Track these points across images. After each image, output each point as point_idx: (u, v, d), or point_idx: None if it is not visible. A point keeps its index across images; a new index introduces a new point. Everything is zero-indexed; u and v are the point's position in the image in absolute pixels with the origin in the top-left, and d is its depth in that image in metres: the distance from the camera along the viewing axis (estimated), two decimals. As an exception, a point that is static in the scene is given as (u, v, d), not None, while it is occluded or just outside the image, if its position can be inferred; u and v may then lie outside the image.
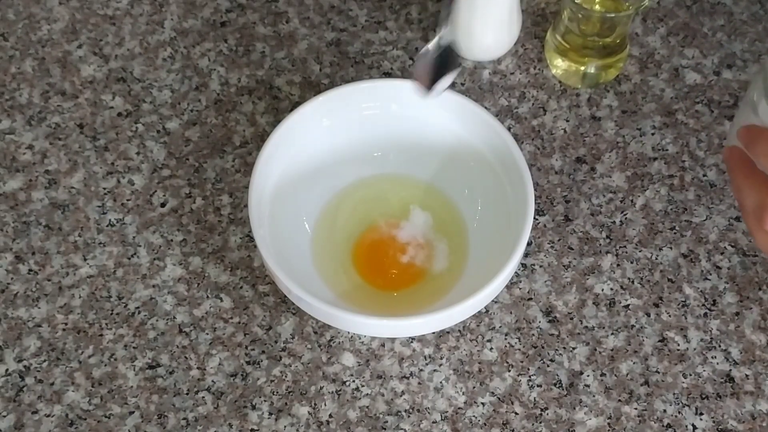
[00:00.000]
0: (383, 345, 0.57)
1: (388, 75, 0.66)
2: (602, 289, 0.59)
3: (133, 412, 0.55)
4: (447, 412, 0.55)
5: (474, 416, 0.55)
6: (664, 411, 0.55)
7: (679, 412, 0.55)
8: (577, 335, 0.57)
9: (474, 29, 0.63)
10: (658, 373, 0.56)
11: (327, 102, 0.57)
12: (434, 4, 0.69)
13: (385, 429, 0.54)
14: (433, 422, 0.55)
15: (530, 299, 0.58)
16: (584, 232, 0.60)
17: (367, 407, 0.55)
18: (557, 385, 0.56)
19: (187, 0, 0.69)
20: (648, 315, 0.58)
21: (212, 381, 0.56)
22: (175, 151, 0.63)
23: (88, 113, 0.65)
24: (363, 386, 0.56)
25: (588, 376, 0.56)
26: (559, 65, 0.65)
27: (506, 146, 0.56)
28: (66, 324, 0.57)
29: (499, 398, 0.55)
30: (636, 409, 0.55)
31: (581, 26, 0.62)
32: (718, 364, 0.56)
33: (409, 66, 0.66)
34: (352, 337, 0.57)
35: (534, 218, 0.58)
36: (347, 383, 0.56)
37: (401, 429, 0.54)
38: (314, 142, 0.59)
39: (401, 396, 0.55)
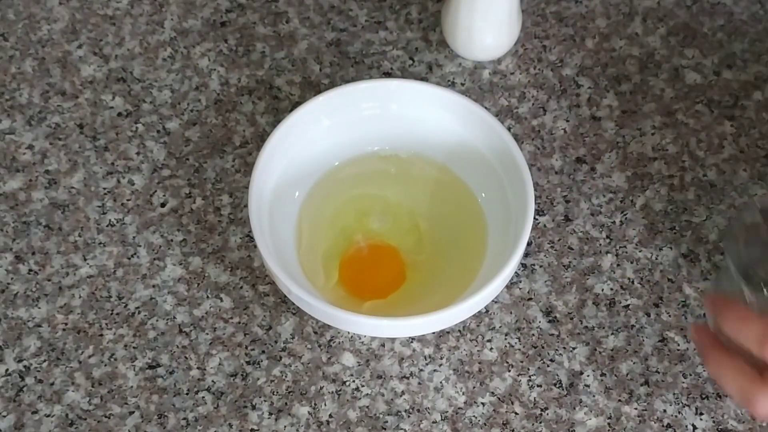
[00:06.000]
0: (383, 345, 0.57)
1: (388, 75, 0.66)
2: (602, 289, 0.59)
3: (133, 412, 0.55)
4: (447, 412, 0.55)
5: (474, 416, 0.55)
6: (664, 411, 0.55)
7: (679, 412, 0.55)
8: (577, 335, 0.57)
9: (474, 29, 0.63)
10: (658, 373, 0.56)
11: (327, 102, 0.57)
12: (434, 4, 0.69)
13: (385, 429, 0.54)
14: (433, 422, 0.55)
15: (530, 299, 0.58)
16: (584, 232, 0.60)
17: (367, 407, 0.55)
18: (557, 385, 0.56)
19: (187, 0, 0.69)
20: (648, 315, 0.58)
21: (212, 381, 0.56)
22: (175, 151, 0.63)
23: (88, 113, 0.65)
24: (363, 386, 0.56)
25: (588, 376, 0.56)
26: None
27: (506, 146, 0.56)
28: (66, 324, 0.57)
29: (499, 398, 0.55)
30: (636, 409, 0.55)
31: None
32: (718, 364, 0.56)
33: (409, 66, 0.66)
34: (352, 337, 0.57)
35: (534, 218, 0.58)
36: (347, 383, 0.56)
37: (401, 429, 0.54)
38: (314, 142, 0.59)
39: (401, 396, 0.55)
